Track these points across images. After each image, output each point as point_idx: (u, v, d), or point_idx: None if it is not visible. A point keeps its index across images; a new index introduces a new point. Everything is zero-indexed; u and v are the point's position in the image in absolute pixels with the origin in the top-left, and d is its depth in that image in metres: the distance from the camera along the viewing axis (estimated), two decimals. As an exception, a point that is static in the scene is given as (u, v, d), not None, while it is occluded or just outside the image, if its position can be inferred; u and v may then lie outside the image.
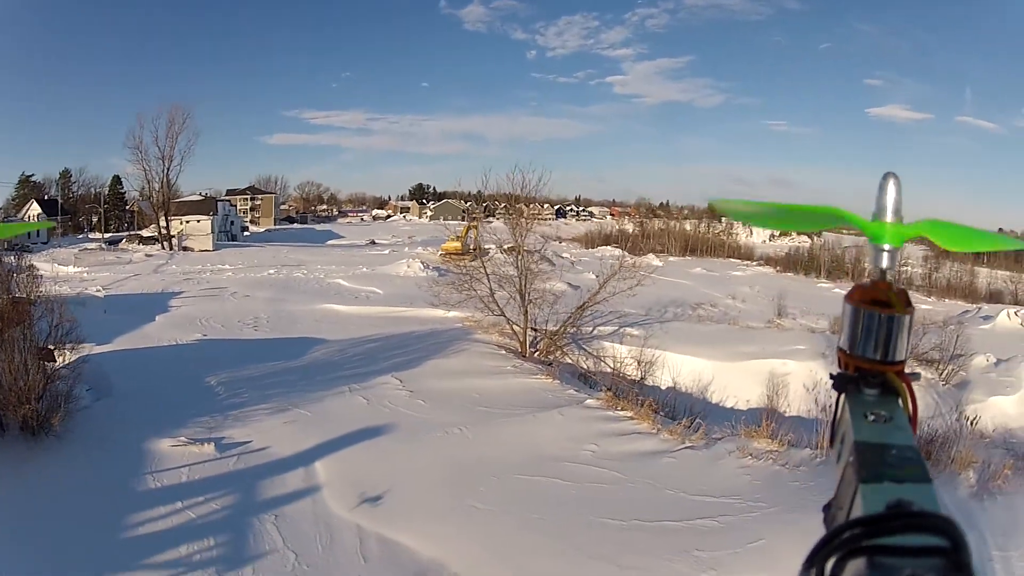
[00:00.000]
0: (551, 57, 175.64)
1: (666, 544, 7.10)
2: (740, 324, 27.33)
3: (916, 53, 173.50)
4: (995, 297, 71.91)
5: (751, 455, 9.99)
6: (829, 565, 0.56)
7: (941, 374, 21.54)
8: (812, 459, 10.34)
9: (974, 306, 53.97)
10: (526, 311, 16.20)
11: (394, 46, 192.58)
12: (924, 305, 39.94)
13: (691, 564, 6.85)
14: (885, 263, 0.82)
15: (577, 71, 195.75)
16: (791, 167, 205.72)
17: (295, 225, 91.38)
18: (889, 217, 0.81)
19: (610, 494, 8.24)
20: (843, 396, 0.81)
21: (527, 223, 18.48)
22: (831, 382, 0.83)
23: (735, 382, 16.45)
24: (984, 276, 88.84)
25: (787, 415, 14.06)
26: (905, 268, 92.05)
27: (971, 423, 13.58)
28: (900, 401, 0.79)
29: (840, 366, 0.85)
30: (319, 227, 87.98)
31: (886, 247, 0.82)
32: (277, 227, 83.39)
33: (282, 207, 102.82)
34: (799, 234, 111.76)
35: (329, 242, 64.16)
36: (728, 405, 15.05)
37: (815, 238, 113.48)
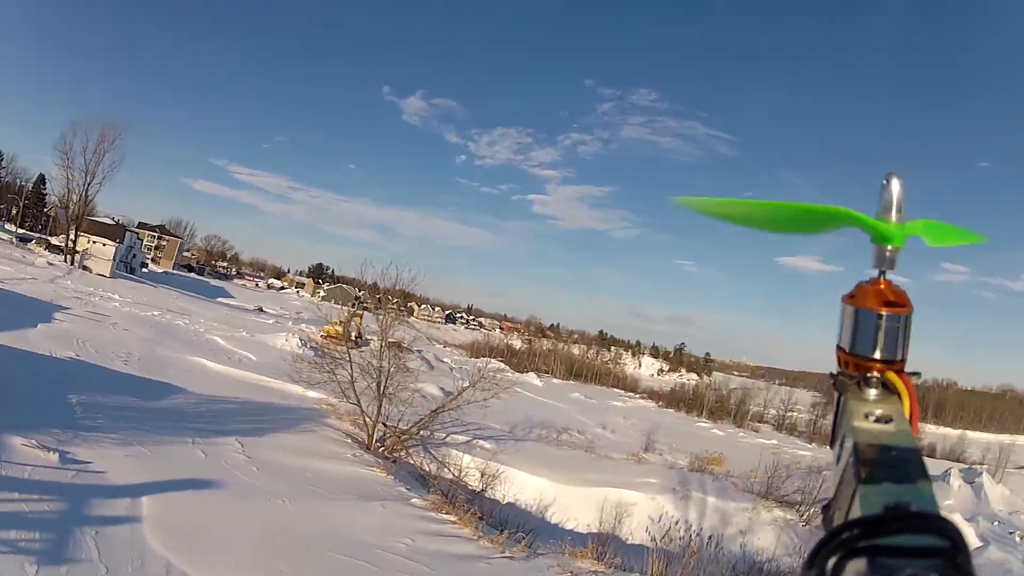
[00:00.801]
0: (479, 165, 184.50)
1: None
2: (599, 453, 30.04)
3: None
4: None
5: (571, 572, 11.53)
6: (829, 565, 0.66)
7: (802, 516, 24.91)
8: None
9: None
10: (380, 405, 17.81)
11: (332, 119, 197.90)
12: (803, 451, 47.01)
13: None
14: (887, 263, 0.95)
15: (501, 183, 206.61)
16: (693, 307, 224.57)
17: (192, 274, 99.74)
18: (893, 217, 0.94)
19: None
20: (843, 396, 0.93)
21: (394, 317, 20.52)
22: (831, 382, 0.96)
23: (577, 506, 18.76)
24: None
25: (628, 543, 16.21)
26: (791, 414, 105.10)
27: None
28: (900, 401, 0.91)
29: (840, 365, 0.97)
30: (214, 282, 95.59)
31: (889, 247, 0.94)
32: (175, 271, 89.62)
33: (185, 253, 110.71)
34: (698, 372, 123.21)
35: (219, 299, 70.13)
36: (567, 527, 17.02)
37: (704, 376, 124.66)
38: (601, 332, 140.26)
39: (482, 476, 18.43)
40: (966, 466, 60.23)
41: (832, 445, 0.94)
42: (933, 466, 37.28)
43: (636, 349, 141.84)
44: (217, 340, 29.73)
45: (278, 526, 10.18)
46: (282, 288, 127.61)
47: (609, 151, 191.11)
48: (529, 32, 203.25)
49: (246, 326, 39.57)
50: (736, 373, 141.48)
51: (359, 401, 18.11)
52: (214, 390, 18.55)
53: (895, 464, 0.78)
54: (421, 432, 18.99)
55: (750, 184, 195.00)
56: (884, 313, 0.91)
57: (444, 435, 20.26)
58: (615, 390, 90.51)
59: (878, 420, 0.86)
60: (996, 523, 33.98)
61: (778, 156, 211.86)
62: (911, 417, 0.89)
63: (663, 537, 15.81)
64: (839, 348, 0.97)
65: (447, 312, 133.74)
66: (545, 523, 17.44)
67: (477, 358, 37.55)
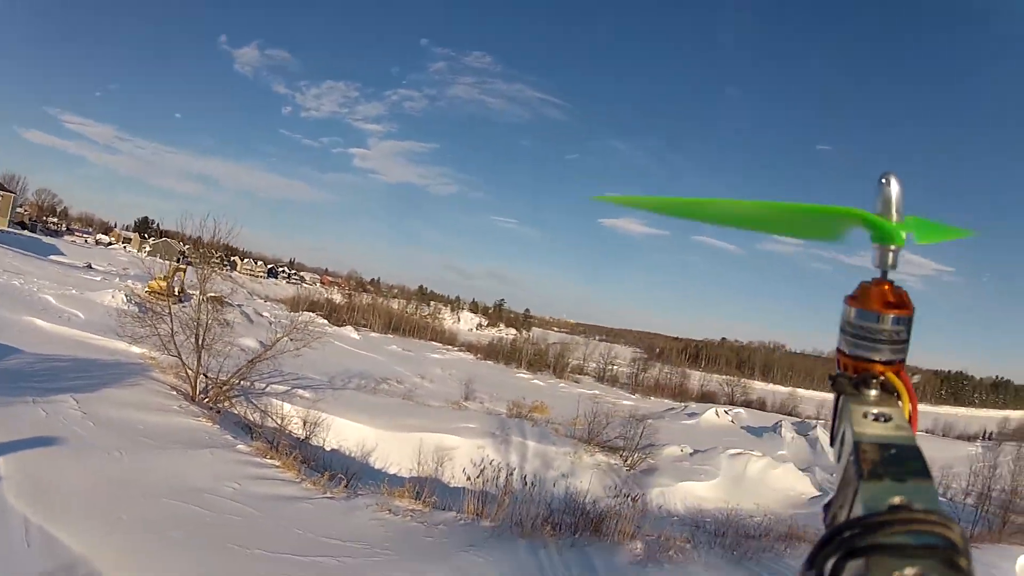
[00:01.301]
0: (304, 117, 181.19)
1: (280, 572, 9.48)
2: (418, 402, 32.46)
3: (666, 173, 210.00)
4: (707, 397, 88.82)
5: (390, 511, 13.02)
6: (829, 565, 0.71)
7: (625, 460, 27.89)
8: (455, 520, 13.46)
9: (680, 404, 68.73)
10: (199, 357, 18.98)
11: (165, 67, 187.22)
12: (626, 401, 50.16)
13: None
14: (888, 263, 1.02)
15: (323, 136, 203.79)
16: (513, 264, 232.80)
17: (26, 232, 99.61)
18: (893, 216, 1.00)
19: (242, 526, 10.70)
20: (842, 396, 1.00)
21: (214, 271, 21.81)
22: (831, 383, 1.02)
23: (397, 451, 20.40)
24: (697, 378, 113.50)
25: (450, 486, 17.81)
26: (612, 367, 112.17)
27: (633, 501, 19.35)
28: (899, 400, 0.98)
29: (839, 367, 1.05)
30: (46, 239, 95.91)
31: (890, 247, 1.01)
32: (9, 229, 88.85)
33: (18, 209, 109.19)
34: (518, 327, 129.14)
35: (52, 256, 70.56)
36: (389, 471, 18.32)
37: (523, 332, 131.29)
38: (421, 287, 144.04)
39: (304, 424, 19.44)
40: (799, 419, 66.38)
41: (832, 444, 1.00)
42: (765, 419, 42.62)
43: (455, 304, 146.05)
44: (49, 299, 30.67)
45: (118, 477, 11.34)
46: (110, 244, 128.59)
47: (436, 108, 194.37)
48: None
49: (76, 284, 40.44)
50: (556, 329, 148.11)
51: (180, 354, 19.24)
52: (48, 349, 19.41)
53: (896, 462, 0.82)
54: (242, 382, 20.36)
55: (576, 148, 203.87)
56: (887, 315, 0.97)
57: (264, 385, 21.99)
58: (434, 343, 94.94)
59: (878, 419, 0.91)
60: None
61: (607, 122, 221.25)
62: (911, 417, 0.94)
63: (478, 476, 17.18)
64: (839, 350, 1.03)
65: (269, 266, 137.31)
66: (367, 467, 18.72)
67: (296, 312, 38.36)
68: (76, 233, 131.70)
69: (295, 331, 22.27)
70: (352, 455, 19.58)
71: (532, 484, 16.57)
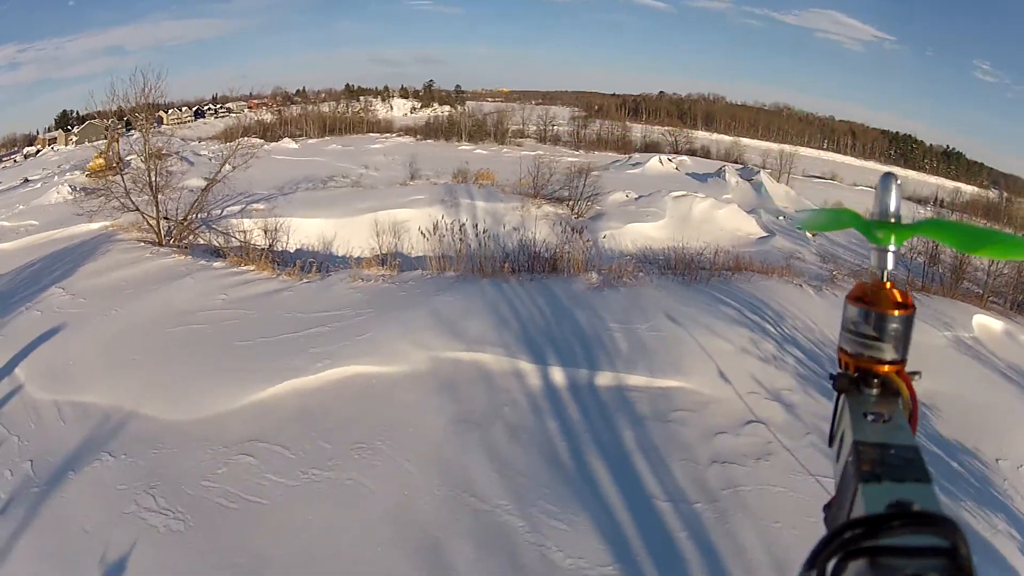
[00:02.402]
0: None
1: (285, 350, 11.27)
2: (366, 187, 33.89)
3: None
4: (651, 148, 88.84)
5: (362, 279, 14.92)
6: (830, 566, 0.71)
7: (573, 209, 29.54)
8: (422, 276, 15.45)
9: (625, 156, 70.20)
10: (156, 203, 20.16)
11: None
12: (570, 158, 50.29)
13: (307, 359, 10.92)
14: (887, 263, 1.04)
15: None
16: (435, 44, 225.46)
17: None
18: (891, 218, 1.03)
19: (240, 327, 12.41)
20: (842, 396, 1.02)
21: (147, 125, 22.40)
22: (831, 382, 1.05)
23: (356, 235, 21.85)
24: (639, 130, 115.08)
25: (411, 256, 19.56)
26: (553, 128, 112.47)
27: (580, 235, 20.86)
28: (900, 401, 0.99)
29: (840, 365, 1.07)
30: None
31: (889, 248, 1.04)
32: None
33: None
34: (452, 104, 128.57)
35: None
36: (354, 255, 19.72)
37: (458, 107, 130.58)
38: (348, 85, 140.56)
39: (265, 232, 20.44)
40: (743, 166, 68.18)
41: (831, 444, 1.02)
42: (709, 166, 43.98)
43: (385, 93, 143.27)
44: (3, 224, 29.77)
45: (115, 329, 12.96)
46: (38, 152, 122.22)
47: None
48: None
49: (20, 200, 38.95)
50: (491, 100, 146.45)
51: (137, 207, 20.56)
52: (21, 262, 19.73)
53: (896, 463, 0.84)
54: (199, 215, 21.89)
55: None
56: (887, 314, 1.00)
57: (220, 211, 23.38)
58: (371, 134, 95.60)
59: (877, 419, 0.94)
60: (781, 217, 38.70)
61: None
62: (911, 417, 0.97)
63: (435, 235, 18.72)
64: (840, 348, 1.07)
65: (195, 109, 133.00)
66: (332, 256, 20.19)
67: (232, 141, 38.28)
68: (4, 160, 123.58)
69: (234, 156, 23.61)
70: (316, 249, 20.84)
71: (487, 236, 18.11)
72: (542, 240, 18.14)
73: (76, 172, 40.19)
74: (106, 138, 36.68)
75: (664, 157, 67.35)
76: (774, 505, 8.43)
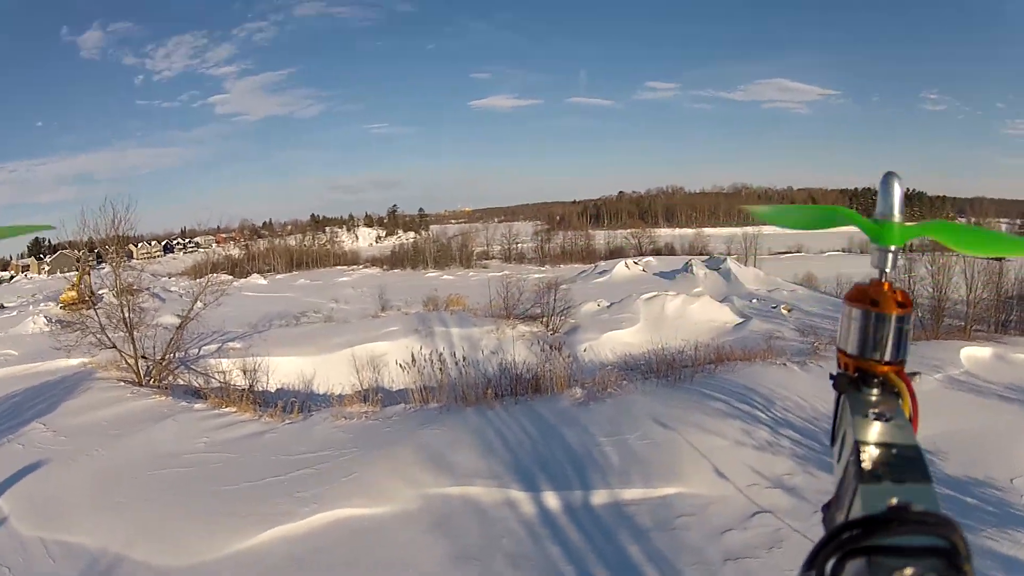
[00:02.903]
0: (157, 81, 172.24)
1: (271, 493, 11.12)
2: (339, 321, 33.87)
3: (529, 44, 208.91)
4: (616, 253, 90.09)
5: (345, 417, 14.95)
6: (829, 566, 0.73)
7: (548, 327, 29.79)
8: (405, 411, 15.44)
9: (591, 265, 70.46)
10: (134, 342, 20.24)
11: (15, 81, 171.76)
12: (537, 274, 51.61)
13: (294, 503, 10.75)
14: (887, 264, 1.06)
15: (181, 94, 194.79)
16: (393, 167, 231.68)
17: None
18: (893, 218, 1.04)
19: (224, 470, 12.29)
20: (843, 396, 1.03)
21: (118, 259, 22.73)
22: (831, 382, 1.05)
23: (335, 371, 21.67)
24: (602, 237, 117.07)
25: (392, 389, 19.46)
26: (517, 245, 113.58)
27: (559, 351, 21.05)
28: (900, 401, 1.00)
29: (840, 366, 1.08)
30: None
31: (890, 248, 1.05)
32: None
33: None
34: (416, 229, 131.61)
35: None
36: (335, 392, 19.24)
37: (422, 232, 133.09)
38: (313, 216, 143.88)
39: (244, 373, 20.52)
40: (707, 256, 69.30)
41: (832, 444, 1.03)
42: (676, 262, 45.01)
43: (349, 223, 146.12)
44: None
45: (102, 470, 12.83)
46: (12, 278, 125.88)
47: (287, 33, 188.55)
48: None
49: None
50: (454, 221, 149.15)
51: (114, 344, 20.62)
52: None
53: (896, 463, 0.85)
54: (176, 355, 21.89)
55: (434, 37, 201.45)
56: (884, 314, 1.01)
57: (198, 351, 23.28)
58: (339, 267, 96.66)
59: (878, 419, 0.94)
60: (755, 300, 39.97)
61: (458, 4, 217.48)
62: (911, 417, 0.98)
63: (413, 365, 19.23)
64: (839, 350, 1.07)
65: (164, 242, 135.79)
66: (313, 394, 20.00)
67: (201, 278, 39.07)
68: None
69: (204, 293, 23.99)
70: (296, 387, 20.83)
71: (465, 363, 18.12)
72: (521, 361, 18.31)
73: (50, 303, 41.04)
74: (77, 269, 37.33)
75: (630, 261, 68.59)
76: None
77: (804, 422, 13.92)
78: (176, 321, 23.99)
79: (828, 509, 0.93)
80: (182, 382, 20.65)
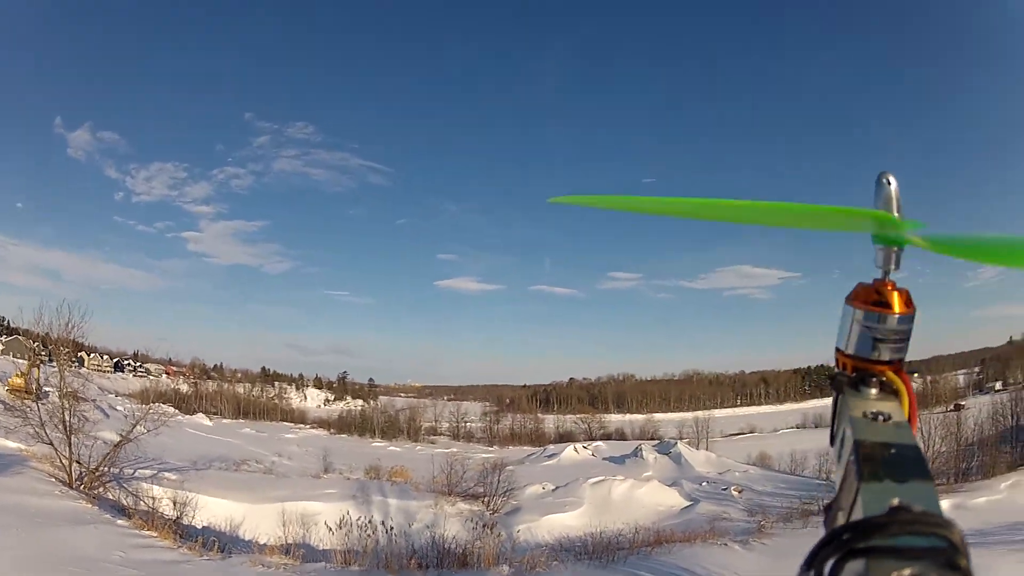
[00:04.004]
0: (136, 202, 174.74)
1: None
2: (277, 475, 33.86)
3: (496, 230, 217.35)
4: (566, 437, 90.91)
5: (263, 565, 14.89)
6: (828, 566, 0.73)
7: (488, 505, 29.80)
8: (325, 569, 15.57)
9: (539, 448, 70.97)
10: (70, 445, 20.41)
11: (6, 150, 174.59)
12: (484, 455, 51.86)
13: None
14: (891, 264, 1.04)
15: (156, 221, 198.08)
16: (352, 335, 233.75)
17: None
18: (895, 216, 1.03)
19: None
20: (842, 396, 1.03)
21: (66, 362, 23.31)
22: (830, 383, 1.05)
23: (265, 522, 21.40)
24: (552, 421, 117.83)
25: (318, 548, 19.32)
26: (466, 424, 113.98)
27: (491, 530, 20.63)
28: (898, 400, 1.00)
29: (839, 366, 1.08)
30: None
31: (894, 248, 1.04)
32: None
33: None
34: (365, 398, 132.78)
35: None
36: (260, 541, 18.75)
37: (370, 402, 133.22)
38: (264, 369, 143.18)
39: (174, 504, 20.57)
40: (658, 441, 69.75)
41: (831, 444, 1.04)
42: (626, 447, 45.65)
43: (299, 382, 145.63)
44: None
45: (24, 552, 12.91)
46: None
47: (262, 184, 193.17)
48: (193, 64, 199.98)
49: None
50: (403, 395, 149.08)
51: (52, 442, 20.89)
52: None
53: (896, 462, 0.86)
54: (110, 469, 22.00)
55: (405, 212, 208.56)
56: (883, 314, 1.01)
57: (132, 471, 23.36)
58: (285, 423, 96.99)
59: (877, 419, 0.95)
60: (705, 483, 40.64)
61: (433, 185, 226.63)
62: (910, 416, 0.98)
63: (341, 528, 19.16)
64: (837, 350, 1.08)
65: (115, 360, 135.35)
66: (237, 539, 19.82)
67: (147, 404, 38.80)
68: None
69: (147, 418, 24.45)
70: (222, 529, 20.69)
71: (396, 533, 18.42)
72: (452, 536, 18.58)
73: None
74: (28, 359, 37.35)
75: (579, 445, 69.48)
76: None
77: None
78: (114, 437, 24.18)
79: (829, 509, 0.93)
80: (111, 496, 20.59)
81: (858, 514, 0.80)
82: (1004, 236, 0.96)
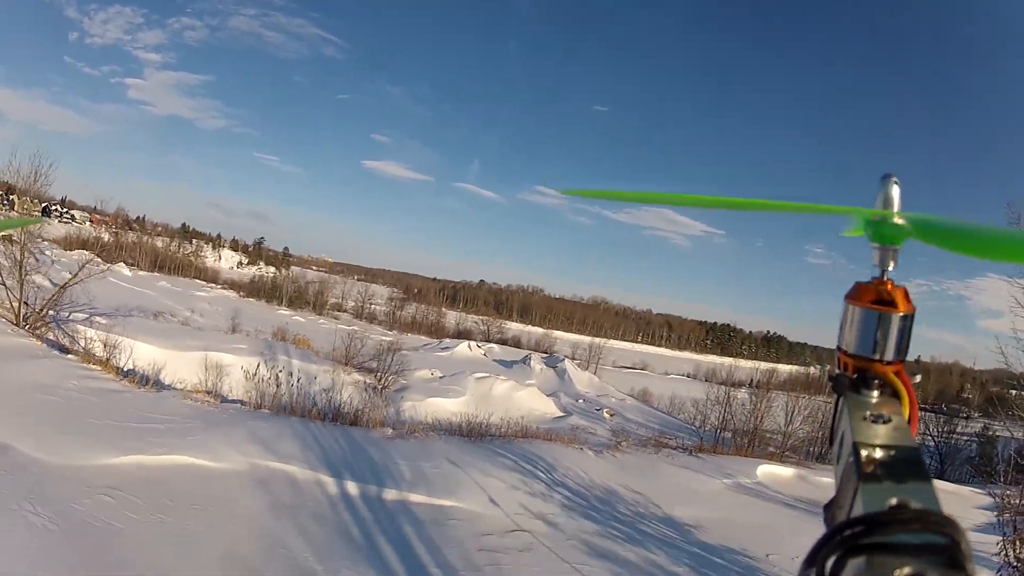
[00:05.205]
0: (89, 44, 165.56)
1: (129, 434, 13.20)
2: (192, 328, 36.02)
3: (434, 121, 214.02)
4: (464, 335, 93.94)
5: (190, 399, 17.13)
6: (829, 564, 0.72)
7: (380, 380, 32.83)
8: (241, 408, 18.06)
9: (436, 340, 73.97)
10: (22, 287, 21.90)
11: None
12: (384, 336, 54.22)
13: (147, 444, 12.84)
14: (888, 263, 1.04)
15: (104, 65, 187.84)
16: (273, 202, 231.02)
17: None
18: (894, 217, 1.03)
19: (91, 408, 14.37)
20: (842, 396, 1.02)
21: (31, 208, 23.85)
22: (831, 383, 1.03)
23: (185, 368, 23.69)
24: (454, 318, 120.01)
25: (230, 397, 21.00)
26: (371, 305, 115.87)
27: (385, 404, 23.34)
28: (899, 401, 1.00)
29: (839, 366, 1.06)
30: None
31: (891, 247, 1.04)
32: None
33: None
34: (277, 265, 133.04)
35: None
36: (181, 385, 20.75)
37: (282, 270, 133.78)
38: (184, 225, 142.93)
39: (104, 346, 22.21)
40: (548, 355, 73.06)
41: (831, 444, 1.04)
42: (518, 354, 48.92)
43: (217, 242, 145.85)
44: None
45: None
46: None
47: (215, 39, 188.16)
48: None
49: None
50: (315, 268, 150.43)
51: (5, 284, 22.30)
52: None
53: (895, 463, 0.86)
54: (51, 312, 23.89)
55: (350, 88, 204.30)
56: (884, 313, 1.02)
57: (68, 314, 25.26)
58: (198, 281, 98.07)
59: (877, 420, 0.95)
60: (581, 401, 44.10)
61: (383, 66, 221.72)
62: (910, 418, 0.99)
63: (254, 379, 21.52)
64: (838, 349, 1.07)
65: (43, 205, 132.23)
66: (161, 382, 21.42)
67: (71, 251, 39.77)
68: None
69: (85, 269, 26.17)
70: (148, 372, 22.12)
71: (299, 386, 20.91)
72: (347, 398, 21.53)
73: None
74: None
75: (474, 344, 72.28)
76: (531, 574, 11.66)
77: (581, 488, 17.05)
78: (47, 284, 25.74)
79: (829, 508, 0.93)
80: (52, 337, 22.06)
81: (857, 513, 0.81)
82: (993, 228, 0.97)
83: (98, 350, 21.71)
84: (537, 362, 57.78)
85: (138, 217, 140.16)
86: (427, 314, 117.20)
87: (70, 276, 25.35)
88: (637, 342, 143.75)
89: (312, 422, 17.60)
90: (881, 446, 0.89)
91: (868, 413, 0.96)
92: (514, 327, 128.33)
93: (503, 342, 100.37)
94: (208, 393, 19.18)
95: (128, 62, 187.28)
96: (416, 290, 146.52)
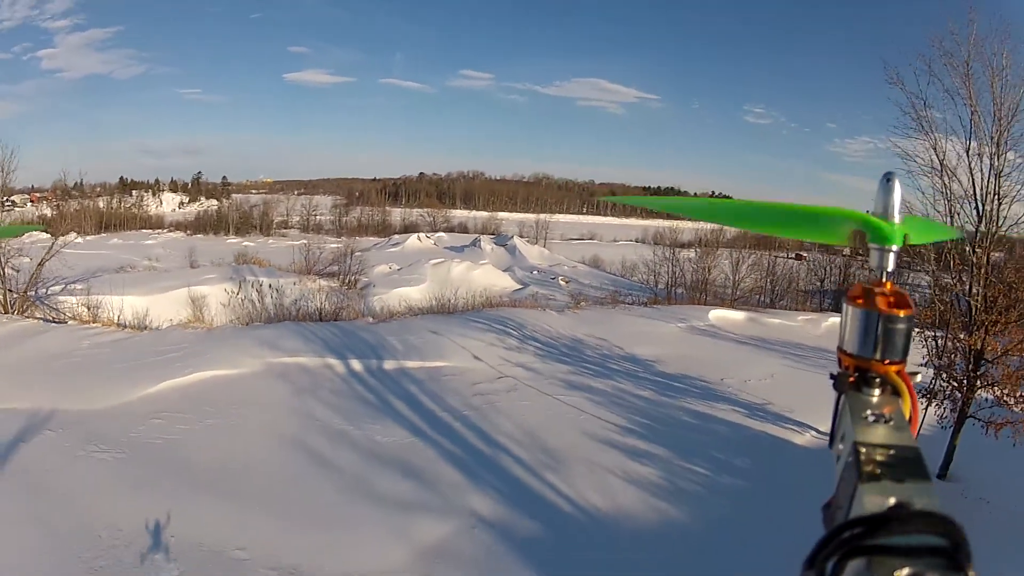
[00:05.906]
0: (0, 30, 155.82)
1: (155, 366, 15.16)
2: (159, 271, 37.81)
3: (351, 20, 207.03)
4: (410, 229, 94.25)
5: (191, 329, 19.20)
6: (829, 565, 0.71)
7: (344, 282, 34.90)
8: (235, 325, 20.28)
9: (385, 239, 75.45)
10: (4, 275, 22.87)
11: None
12: (334, 244, 55.41)
13: (174, 369, 14.84)
14: (888, 264, 1.05)
15: (15, 45, 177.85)
16: (202, 135, 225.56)
17: None
18: (894, 217, 1.04)
19: (111, 356, 16.27)
20: (842, 396, 1.02)
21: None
22: (832, 383, 1.03)
23: (169, 308, 24.84)
24: (399, 214, 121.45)
25: (214, 324, 22.57)
26: (315, 217, 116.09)
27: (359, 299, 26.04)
28: (900, 401, 1.00)
29: (840, 366, 1.06)
30: None
31: (890, 249, 1.05)
32: None
33: None
34: (218, 197, 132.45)
35: None
36: (166, 325, 22.04)
37: (224, 201, 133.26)
38: (122, 178, 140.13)
39: (88, 309, 23.22)
40: (496, 235, 75.12)
41: (831, 445, 1.03)
42: (466, 239, 51.62)
43: (155, 187, 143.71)
44: None
45: (9, 365, 15.87)
46: None
47: None
48: None
49: None
50: (255, 192, 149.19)
51: None
52: None
53: (895, 463, 0.86)
54: (32, 292, 24.59)
55: (261, 5, 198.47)
56: (884, 314, 1.02)
57: (45, 291, 26.14)
58: (144, 231, 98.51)
59: (878, 420, 0.95)
60: (536, 272, 46.34)
61: None
62: (911, 417, 0.99)
63: (237, 298, 24.19)
64: (839, 349, 1.07)
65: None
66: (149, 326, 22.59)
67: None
68: None
69: (57, 242, 27.92)
70: (137, 322, 23.27)
71: (278, 297, 23.62)
72: (323, 302, 23.66)
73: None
74: None
75: (422, 235, 74.26)
76: (521, 407, 14.31)
77: (549, 339, 19.60)
78: (9, 271, 25.91)
79: (828, 508, 0.92)
80: (39, 315, 23.07)
81: (857, 514, 0.80)
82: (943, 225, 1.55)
83: (84, 315, 22.85)
84: (487, 243, 60.25)
85: (76, 183, 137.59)
86: (372, 215, 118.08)
87: (29, 260, 26.00)
88: (583, 213, 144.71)
89: (302, 322, 19.93)
90: (881, 445, 0.90)
91: (869, 412, 0.97)
92: (459, 214, 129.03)
93: (450, 230, 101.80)
94: (202, 321, 21.36)
95: (38, 35, 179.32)
96: (358, 193, 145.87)
